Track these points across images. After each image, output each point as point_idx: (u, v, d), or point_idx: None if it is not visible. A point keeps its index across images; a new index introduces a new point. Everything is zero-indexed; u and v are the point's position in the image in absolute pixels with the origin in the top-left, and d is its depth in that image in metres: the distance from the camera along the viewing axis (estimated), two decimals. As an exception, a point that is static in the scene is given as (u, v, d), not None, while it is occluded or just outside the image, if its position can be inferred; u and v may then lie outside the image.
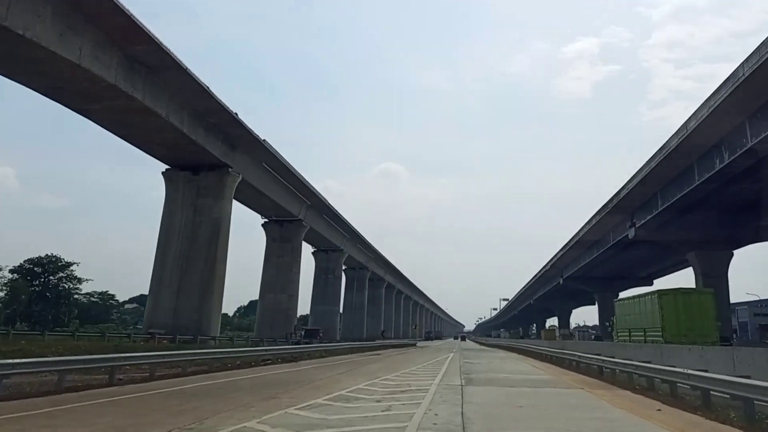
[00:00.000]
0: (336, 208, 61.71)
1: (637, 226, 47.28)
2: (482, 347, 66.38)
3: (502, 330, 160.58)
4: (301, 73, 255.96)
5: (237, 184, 41.64)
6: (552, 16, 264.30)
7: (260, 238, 58.92)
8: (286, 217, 56.09)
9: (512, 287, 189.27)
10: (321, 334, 54.67)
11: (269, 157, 43.99)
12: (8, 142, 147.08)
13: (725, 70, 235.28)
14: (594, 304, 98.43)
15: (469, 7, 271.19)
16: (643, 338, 30.32)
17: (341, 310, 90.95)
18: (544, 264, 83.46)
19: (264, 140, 40.80)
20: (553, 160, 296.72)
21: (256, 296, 74.23)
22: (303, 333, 54.12)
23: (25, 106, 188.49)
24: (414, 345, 66.01)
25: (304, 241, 69.57)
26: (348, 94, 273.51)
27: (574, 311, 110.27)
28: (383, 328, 67.79)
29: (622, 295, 68.34)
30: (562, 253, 69.81)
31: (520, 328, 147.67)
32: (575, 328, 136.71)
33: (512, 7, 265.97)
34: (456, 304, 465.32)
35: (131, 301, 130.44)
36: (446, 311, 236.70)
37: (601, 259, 63.03)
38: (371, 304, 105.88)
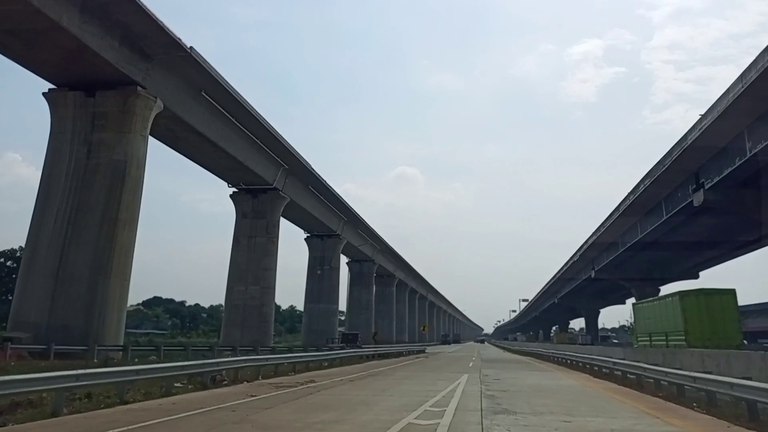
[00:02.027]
0: (325, 179, 47.76)
1: (707, 186, 32.65)
2: (505, 354, 52.43)
3: (518, 334, 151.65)
4: (323, 77, 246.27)
5: (155, 115, 28.04)
6: (557, 16, 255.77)
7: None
8: (258, 184, 42.41)
9: (530, 290, 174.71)
10: (350, 339, 47.43)
11: (212, 86, 30.32)
12: None
13: (724, 73, 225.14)
14: (623, 303, 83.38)
15: (479, 8, 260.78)
16: (664, 343, 28.34)
17: (344, 309, 77.19)
18: (570, 255, 68.54)
19: (191, 48, 26.96)
20: (562, 164, 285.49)
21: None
22: (340, 338, 48.55)
23: None
24: (422, 352, 51.43)
25: (293, 223, 55.94)
26: (366, 97, 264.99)
27: (601, 311, 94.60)
28: (375, 330, 53.90)
29: (664, 289, 55.68)
30: (595, 237, 54.90)
31: (541, 331, 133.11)
32: (579, 331, 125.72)
33: (518, 7, 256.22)
34: (475, 307, 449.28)
35: (151, 303, 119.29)
36: (465, 314, 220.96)
37: (639, 246, 48.28)
38: (382, 304, 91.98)
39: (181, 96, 29.47)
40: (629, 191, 41.81)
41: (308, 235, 60.65)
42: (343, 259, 77.13)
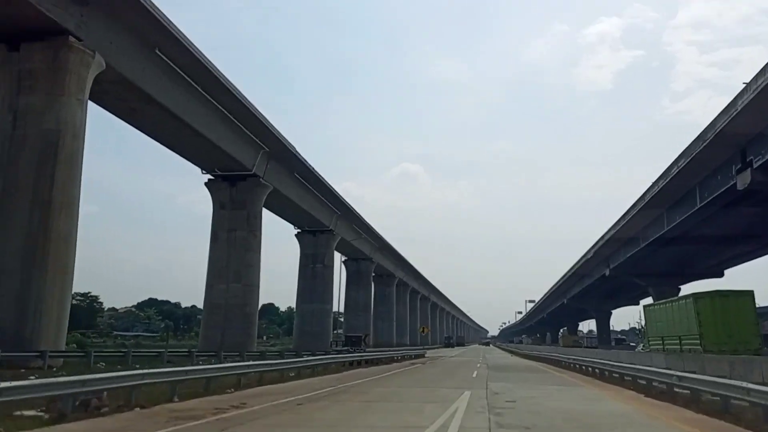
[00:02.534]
0: (311, 164, 42.98)
1: (756, 165, 27.88)
2: (513, 358, 47.55)
3: (524, 336, 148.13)
4: (317, 66, 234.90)
5: (98, 77, 23.34)
6: None
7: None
8: (236, 170, 37.78)
9: (536, 292, 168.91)
10: (354, 341, 45.39)
11: (169, 43, 25.63)
12: None
13: (750, 54, 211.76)
14: (637, 303, 78.53)
15: None
16: (678, 346, 27.52)
17: (340, 310, 72.44)
18: (583, 252, 63.71)
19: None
20: (574, 159, 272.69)
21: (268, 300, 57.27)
22: (344, 341, 46.58)
23: None
24: (420, 356, 46.46)
25: (281, 216, 51.30)
26: (365, 87, 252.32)
27: (613, 312, 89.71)
28: (366, 332, 49.20)
29: (684, 289, 52.73)
30: (614, 231, 50.06)
31: (548, 334, 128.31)
32: (588, 333, 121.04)
33: None
34: (480, 310, 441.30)
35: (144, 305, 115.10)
36: (469, 316, 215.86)
37: (663, 241, 43.53)
38: (381, 305, 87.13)
39: (129, 53, 24.64)
40: (659, 176, 37.01)
41: (299, 230, 55.91)
42: (340, 258, 72.44)
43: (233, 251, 39.22)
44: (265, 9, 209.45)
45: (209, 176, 39.26)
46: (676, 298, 31.86)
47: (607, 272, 57.38)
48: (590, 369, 24.79)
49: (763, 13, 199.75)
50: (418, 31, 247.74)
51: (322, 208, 51.42)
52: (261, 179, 39.01)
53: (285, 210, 48.54)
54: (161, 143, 33.52)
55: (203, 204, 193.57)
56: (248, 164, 37.23)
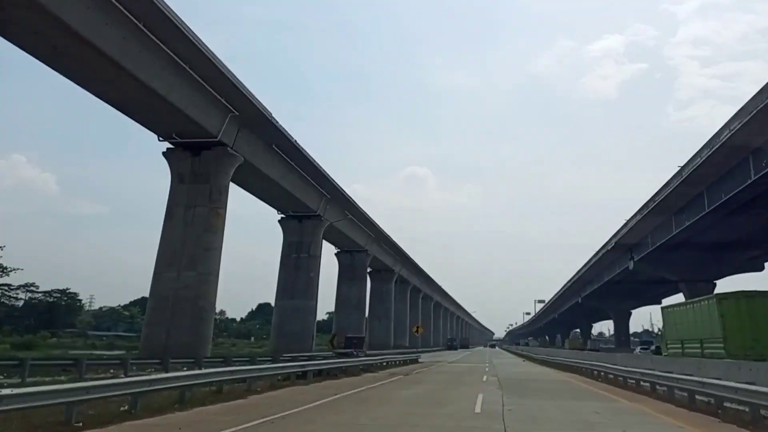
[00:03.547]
0: (291, 135, 37.45)
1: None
2: (526, 365, 41.81)
3: (530, 338, 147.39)
4: (334, 76, 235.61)
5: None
6: (576, 11, 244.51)
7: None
8: (199, 137, 32.36)
9: (543, 294, 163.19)
10: (354, 343, 42.52)
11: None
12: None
13: (752, 68, 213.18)
14: (659, 302, 72.82)
15: (494, 3, 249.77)
16: (699, 351, 26.34)
17: (324, 307, 67.16)
18: (602, 244, 58.09)
19: None
20: (580, 164, 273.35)
21: (266, 299, 52.27)
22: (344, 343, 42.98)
23: None
24: (413, 362, 40.83)
25: (260, 198, 45.94)
26: (377, 95, 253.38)
27: (633, 312, 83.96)
28: (333, 332, 43.48)
29: (721, 285, 49.58)
30: (638, 218, 44.43)
31: (558, 336, 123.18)
32: (596, 336, 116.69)
33: (535, 2, 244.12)
34: (486, 311, 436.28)
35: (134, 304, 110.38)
36: (475, 317, 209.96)
37: (699, 228, 38.09)
38: (377, 303, 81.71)
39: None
40: (702, 145, 31.39)
41: (282, 216, 50.36)
42: (331, 249, 67.08)
43: (190, 231, 33.39)
44: (283, 22, 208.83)
45: (168, 145, 33.80)
46: (696, 299, 30.61)
47: (631, 265, 51.77)
48: (629, 381, 19.47)
49: (759, 32, 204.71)
50: (429, 44, 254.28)
51: (309, 189, 45.88)
52: (229, 149, 33.49)
53: (264, 190, 43.00)
54: (101, 98, 28.04)
55: None
56: (213, 130, 31.73)
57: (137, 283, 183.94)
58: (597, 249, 64.53)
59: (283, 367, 19.80)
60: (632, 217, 46.31)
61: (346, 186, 54.28)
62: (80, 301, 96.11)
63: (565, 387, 21.31)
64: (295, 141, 37.48)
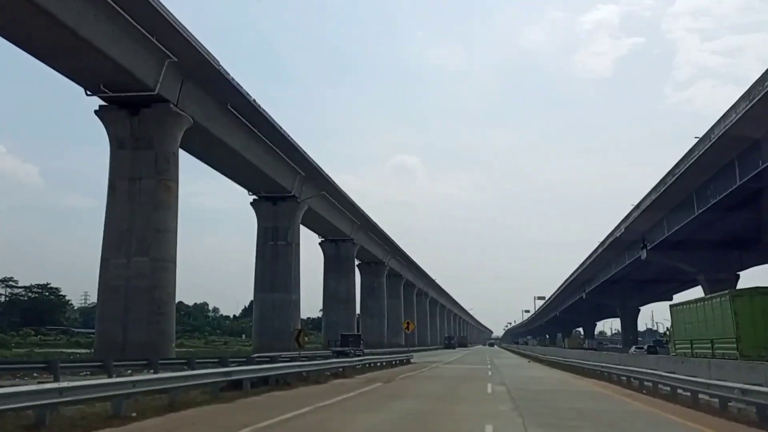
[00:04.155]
0: (248, 93, 32.02)
1: None
2: (535, 368, 36.34)
3: (529, 337, 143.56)
4: (307, 53, 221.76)
5: None
6: None
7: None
8: (134, 90, 27.04)
9: (543, 291, 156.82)
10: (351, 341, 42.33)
11: None
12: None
13: (755, 41, 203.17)
14: (670, 298, 67.37)
15: None
16: (710, 351, 25.39)
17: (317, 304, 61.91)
18: (610, 230, 52.66)
19: None
20: (576, 151, 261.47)
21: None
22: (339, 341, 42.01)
23: None
24: (400, 363, 35.54)
25: (225, 174, 40.75)
26: (357, 76, 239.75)
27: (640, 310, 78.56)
28: (298, 327, 38.07)
29: (744, 278, 45.01)
30: (654, 196, 38.96)
31: (559, 335, 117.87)
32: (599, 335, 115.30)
33: None
34: (484, 309, 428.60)
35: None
36: (473, 315, 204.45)
37: (725, 204, 32.77)
38: (369, 298, 76.83)
39: None
40: (743, 93, 25.89)
41: (254, 197, 44.99)
42: (314, 239, 61.81)
43: (138, 209, 28.39)
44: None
45: (101, 102, 28.47)
46: (707, 296, 29.68)
47: (644, 254, 46.37)
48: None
49: (763, 0, 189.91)
50: (409, 16, 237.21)
51: (280, 166, 40.54)
52: (172, 106, 28.15)
53: (226, 163, 37.71)
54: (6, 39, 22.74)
55: (204, 197, 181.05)
56: (148, 80, 26.38)
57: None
58: (600, 240, 59.50)
59: (187, 377, 14.16)
60: (646, 197, 40.87)
61: (336, 177, 48.79)
62: (64, 296, 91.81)
63: (618, 409, 14.30)
64: (254, 100, 32.05)
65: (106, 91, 27.16)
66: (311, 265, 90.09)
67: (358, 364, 28.33)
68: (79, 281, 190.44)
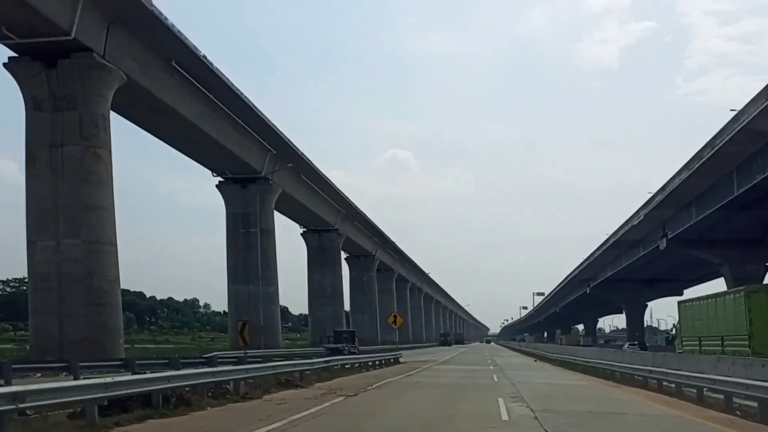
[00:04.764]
0: (197, 47, 26.43)
1: None
2: (552, 370, 29.87)
3: (526, 334, 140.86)
4: (292, 43, 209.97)
5: None
6: None
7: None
8: (47, 34, 21.59)
9: (540, 287, 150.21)
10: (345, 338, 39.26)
11: None
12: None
13: None
14: (680, 293, 62.27)
15: None
16: (719, 348, 25.22)
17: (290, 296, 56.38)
18: (627, 219, 47.25)
19: None
20: (577, 145, 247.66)
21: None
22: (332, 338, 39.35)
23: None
24: (375, 365, 29.15)
25: (180, 150, 35.31)
26: (346, 66, 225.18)
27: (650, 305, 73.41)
28: (244, 320, 32.19)
29: None
30: (686, 175, 33.54)
31: (558, 331, 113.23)
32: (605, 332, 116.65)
33: None
34: (480, 307, 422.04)
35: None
36: (469, 312, 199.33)
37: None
38: (359, 293, 71.83)
39: None
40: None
41: (220, 179, 39.45)
42: (295, 229, 56.37)
43: (62, 182, 23.27)
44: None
45: (11, 53, 22.96)
46: (719, 292, 30.20)
47: (663, 244, 41.07)
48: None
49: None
50: (400, 1, 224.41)
51: (247, 141, 35.03)
52: (96, 56, 22.63)
53: (179, 135, 32.08)
54: None
55: (185, 194, 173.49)
56: (59, 20, 20.82)
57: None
58: (604, 233, 54.62)
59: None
60: (675, 176, 35.25)
61: (326, 173, 43.40)
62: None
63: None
64: (204, 56, 26.45)
65: (11, 36, 21.55)
66: (299, 259, 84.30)
67: (324, 367, 22.19)
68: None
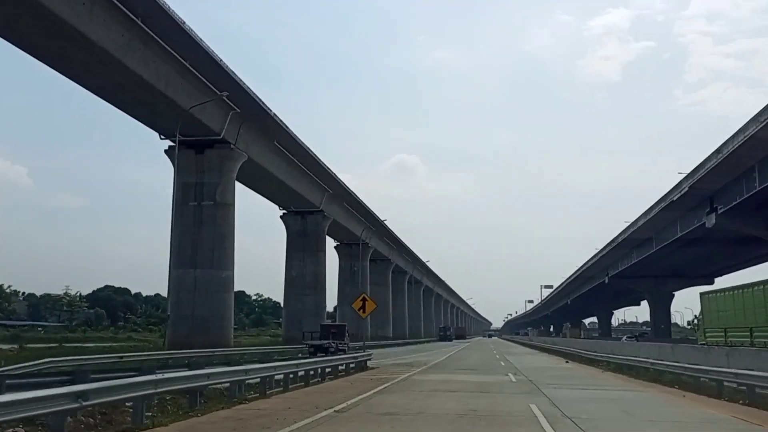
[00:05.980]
0: None
1: None
2: (572, 367, 24.92)
3: (530, 328, 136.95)
4: (309, 57, 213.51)
5: None
6: None
7: None
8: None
9: (545, 281, 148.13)
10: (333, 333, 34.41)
11: None
12: None
13: None
14: (712, 282, 55.45)
15: None
16: (748, 339, 25.19)
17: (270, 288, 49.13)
18: (661, 195, 40.21)
19: None
20: (580, 153, 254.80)
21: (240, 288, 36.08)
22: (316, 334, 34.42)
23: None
24: (342, 371, 20.51)
25: (121, 108, 28.04)
26: (356, 78, 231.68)
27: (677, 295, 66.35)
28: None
29: None
30: (729, 150, 26.54)
31: (567, 325, 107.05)
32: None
33: None
34: (483, 301, 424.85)
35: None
36: (472, 306, 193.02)
37: None
38: (349, 284, 64.98)
39: None
40: None
41: (170, 143, 31.87)
42: (274, 211, 49.25)
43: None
44: (249, 3, 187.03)
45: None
46: (747, 284, 28.71)
47: (712, 220, 33.99)
48: None
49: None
50: (410, 20, 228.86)
51: (197, 92, 27.56)
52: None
53: (95, 71, 24.53)
54: None
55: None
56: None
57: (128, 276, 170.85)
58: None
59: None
60: (732, 137, 28.19)
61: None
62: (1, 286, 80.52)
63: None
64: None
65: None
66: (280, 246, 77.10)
67: (223, 386, 12.52)
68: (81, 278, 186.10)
